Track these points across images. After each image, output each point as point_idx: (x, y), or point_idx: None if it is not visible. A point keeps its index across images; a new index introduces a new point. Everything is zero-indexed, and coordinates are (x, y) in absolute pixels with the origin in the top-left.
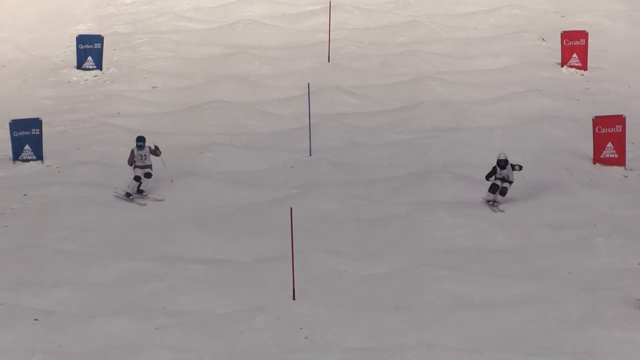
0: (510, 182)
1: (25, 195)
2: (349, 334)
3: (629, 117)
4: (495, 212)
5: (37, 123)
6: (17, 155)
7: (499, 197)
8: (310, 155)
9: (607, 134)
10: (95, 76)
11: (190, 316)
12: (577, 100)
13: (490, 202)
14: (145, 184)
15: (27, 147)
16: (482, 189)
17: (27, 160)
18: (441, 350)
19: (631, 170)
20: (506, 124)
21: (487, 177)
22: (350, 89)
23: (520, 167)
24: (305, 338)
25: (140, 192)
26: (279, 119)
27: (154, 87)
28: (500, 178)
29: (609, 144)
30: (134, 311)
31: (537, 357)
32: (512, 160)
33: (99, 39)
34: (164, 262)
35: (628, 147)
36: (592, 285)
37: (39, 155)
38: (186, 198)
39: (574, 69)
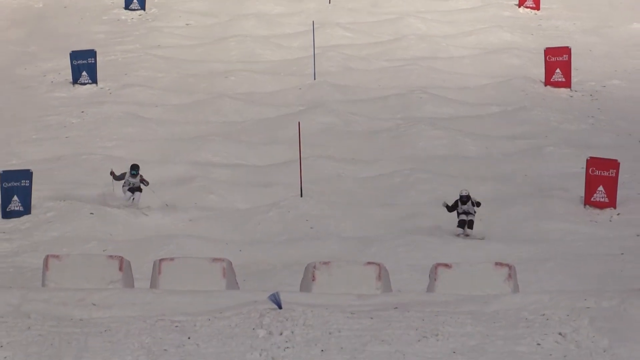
0: (473, 214)
1: (82, 112)
2: (346, 225)
3: (574, 48)
4: (465, 239)
5: (92, 53)
6: (76, 80)
7: (467, 230)
8: (314, 79)
9: (556, 62)
10: (140, 15)
11: (216, 211)
12: (531, 34)
13: (460, 235)
14: (137, 197)
15: (84, 73)
16: (456, 105)
17: (84, 84)
18: (423, 238)
19: (575, 91)
20: (473, 54)
21: (450, 209)
22: (346, 25)
23: (479, 204)
24: (311, 228)
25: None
26: (288, 49)
27: (187, 24)
28: (463, 212)
29: (558, 70)
30: (170, 206)
31: (502, 243)
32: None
33: None
34: (196, 166)
35: (573, 73)
36: (544, 186)
37: (94, 80)
38: (214, 114)
39: (529, 9)
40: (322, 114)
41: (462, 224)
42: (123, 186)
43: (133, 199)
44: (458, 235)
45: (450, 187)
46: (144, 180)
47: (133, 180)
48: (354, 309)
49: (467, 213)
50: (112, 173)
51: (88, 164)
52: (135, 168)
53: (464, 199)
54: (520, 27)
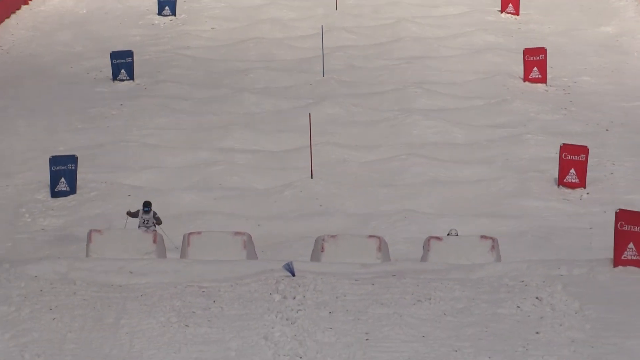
0: None
1: (121, 104)
2: (351, 203)
3: (549, 48)
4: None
5: (130, 53)
6: (115, 76)
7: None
8: (322, 75)
9: (533, 60)
10: (171, 20)
11: (238, 191)
12: (512, 36)
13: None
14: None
15: (123, 70)
16: (445, 99)
17: (123, 80)
18: (417, 214)
19: (550, 86)
20: (461, 54)
21: None
22: (350, 28)
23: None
24: (320, 206)
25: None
26: (300, 50)
27: (212, 28)
28: None
29: (535, 68)
30: (199, 187)
31: (486, 218)
32: None
33: None
34: (220, 152)
35: (548, 70)
36: (523, 168)
37: (131, 76)
38: (235, 106)
39: (509, 14)
40: (329, 106)
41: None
42: (139, 226)
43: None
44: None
45: (441, 170)
46: (157, 218)
47: (146, 217)
48: (358, 276)
49: None
50: (128, 212)
51: (126, 150)
52: (147, 205)
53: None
54: (502, 30)
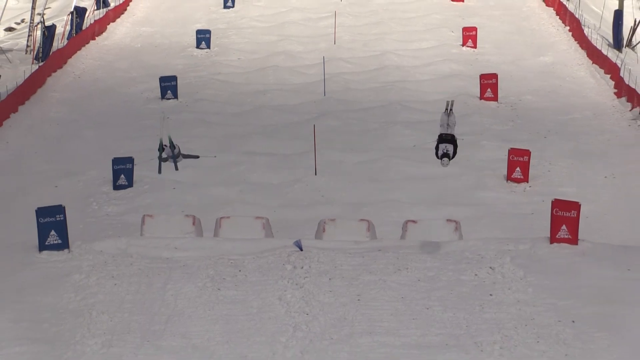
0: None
1: (168, 117)
2: (346, 194)
3: (500, 74)
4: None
5: (174, 78)
6: (163, 96)
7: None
8: (324, 95)
9: (488, 84)
10: (206, 52)
11: (258, 185)
12: (471, 65)
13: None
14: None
15: (169, 91)
16: (420, 113)
17: (169, 99)
18: (397, 203)
19: (501, 103)
20: (432, 78)
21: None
22: (346, 59)
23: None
24: (322, 196)
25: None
26: (307, 75)
27: (239, 58)
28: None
29: (489, 89)
30: (227, 182)
31: (450, 206)
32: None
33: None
34: (244, 154)
35: (499, 91)
36: (479, 167)
37: (175, 96)
38: (256, 119)
39: (469, 47)
40: (330, 119)
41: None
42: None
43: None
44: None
45: (414, 168)
46: (174, 149)
47: (167, 153)
48: (351, 251)
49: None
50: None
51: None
52: (162, 147)
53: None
54: (463, 60)
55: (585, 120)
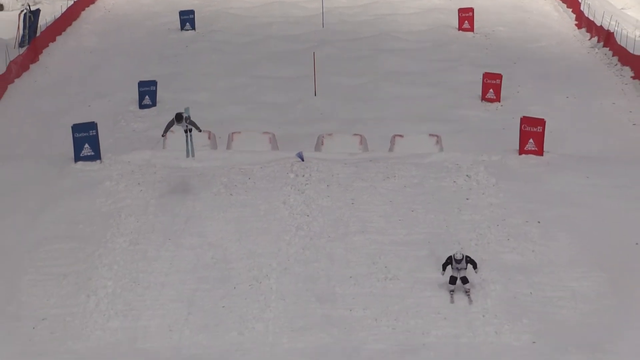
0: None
1: (186, 46)
2: (341, 111)
3: (476, 8)
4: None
5: (192, 12)
6: (182, 27)
7: (466, 286)
8: (323, 27)
9: (465, 16)
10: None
11: (264, 104)
12: (451, 0)
13: (452, 293)
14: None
15: (187, 24)
16: (406, 42)
17: (187, 30)
18: (386, 120)
19: (477, 34)
20: (418, 12)
21: (443, 268)
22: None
23: (475, 265)
24: (321, 114)
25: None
26: (308, 9)
27: None
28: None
29: (466, 21)
30: (239, 102)
31: (432, 122)
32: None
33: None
34: (253, 78)
35: (475, 23)
36: (458, 89)
37: (193, 27)
38: (264, 48)
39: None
40: (327, 47)
41: (453, 280)
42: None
43: (192, 154)
44: (451, 291)
45: (402, 90)
46: (192, 122)
47: (179, 125)
48: (346, 161)
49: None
50: (162, 135)
51: (190, 77)
52: (177, 116)
53: (459, 260)
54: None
55: (550, 48)
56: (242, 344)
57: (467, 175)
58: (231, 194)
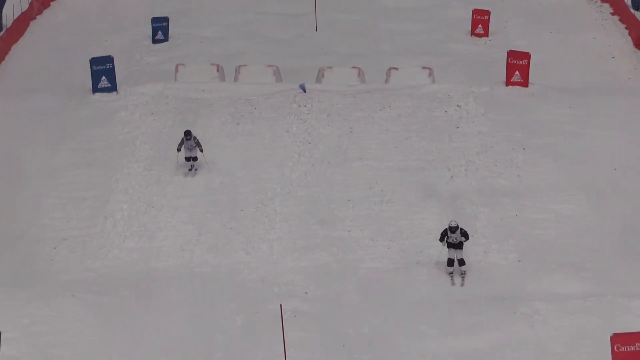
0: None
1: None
2: (340, 47)
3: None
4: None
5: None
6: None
7: (461, 268)
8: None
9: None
10: None
11: (271, 39)
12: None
13: (451, 274)
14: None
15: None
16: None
17: None
18: (382, 53)
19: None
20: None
21: (441, 239)
22: None
23: (467, 236)
24: (321, 48)
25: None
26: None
27: None
28: (451, 244)
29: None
30: (246, 36)
31: (426, 55)
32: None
33: None
34: (259, 14)
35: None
36: (449, 24)
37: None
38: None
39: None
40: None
41: (451, 262)
42: (185, 154)
43: (195, 169)
44: (450, 273)
45: (398, 26)
46: (198, 142)
47: (189, 143)
48: (345, 93)
49: (455, 245)
50: (178, 149)
51: (200, 13)
52: (188, 133)
53: (453, 229)
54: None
55: None
56: (248, 263)
57: (457, 105)
58: (238, 123)
